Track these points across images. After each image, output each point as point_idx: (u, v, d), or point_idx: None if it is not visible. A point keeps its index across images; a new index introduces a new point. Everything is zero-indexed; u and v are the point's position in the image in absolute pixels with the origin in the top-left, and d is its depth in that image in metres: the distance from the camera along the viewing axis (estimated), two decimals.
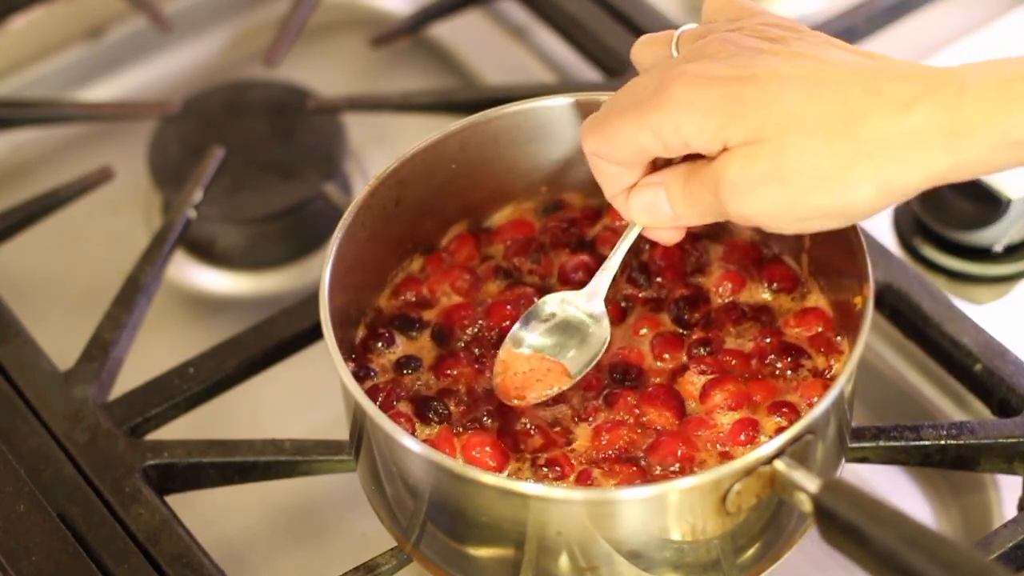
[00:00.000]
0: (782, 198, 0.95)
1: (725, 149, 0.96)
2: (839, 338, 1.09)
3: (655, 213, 1.01)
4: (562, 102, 1.13)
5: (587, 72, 1.44)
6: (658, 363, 1.09)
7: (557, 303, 1.08)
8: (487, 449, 1.04)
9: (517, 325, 1.08)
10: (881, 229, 1.30)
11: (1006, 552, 1.08)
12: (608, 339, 1.07)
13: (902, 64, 0.96)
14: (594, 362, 1.06)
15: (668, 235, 1.04)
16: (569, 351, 1.07)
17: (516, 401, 1.06)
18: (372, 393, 1.07)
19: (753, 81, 0.95)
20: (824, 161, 0.94)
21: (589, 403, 1.07)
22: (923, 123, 0.93)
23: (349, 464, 1.11)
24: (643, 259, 1.14)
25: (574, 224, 1.16)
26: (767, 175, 0.94)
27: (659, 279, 1.13)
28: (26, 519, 1.11)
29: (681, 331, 1.10)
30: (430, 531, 1.03)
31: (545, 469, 1.03)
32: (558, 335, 1.08)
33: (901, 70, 0.95)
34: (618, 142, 0.99)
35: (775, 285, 1.12)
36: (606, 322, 1.07)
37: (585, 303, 1.08)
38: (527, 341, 1.08)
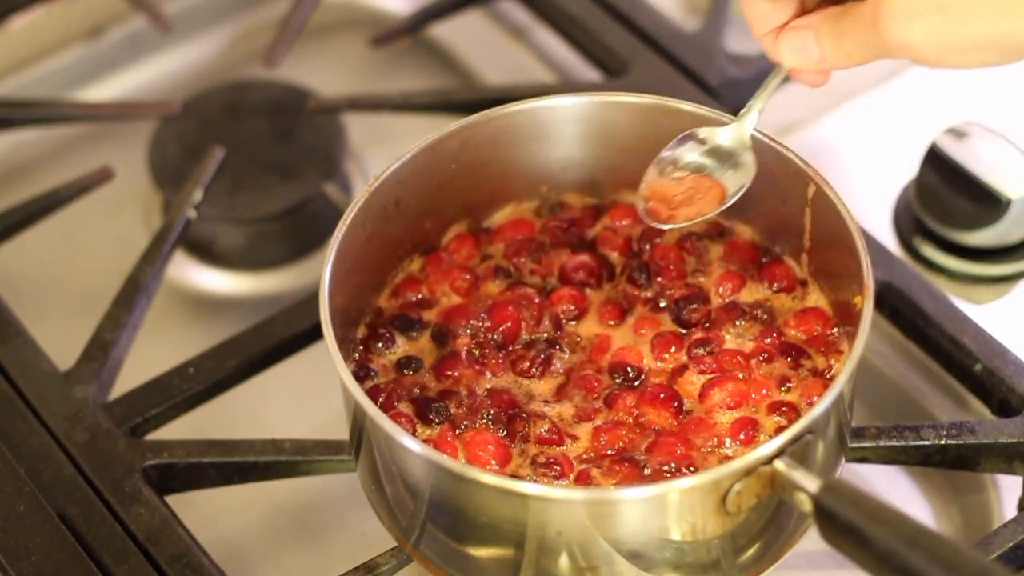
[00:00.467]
0: (943, 25, 0.95)
1: None
2: (839, 338, 1.09)
3: (803, 55, 1.03)
4: (562, 102, 1.13)
5: (587, 72, 1.44)
6: (658, 363, 1.09)
7: (708, 132, 1.10)
8: (490, 447, 1.04)
9: (668, 149, 1.09)
10: (881, 229, 1.30)
11: (1006, 552, 1.08)
12: (755, 170, 1.08)
13: None
14: (743, 190, 1.08)
15: (813, 78, 1.05)
16: (725, 172, 1.09)
17: (668, 225, 1.08)
18: (373, 393, 1.07)
19: None
20: None
21: (589, 404, 1.07)
22: None
23: (349, 464, 1.11)
24: (643, 259, 1.14)
25: (574, 224, 1.16)
26: (929, 1, 0.95)
27: (659, 279, 1.13)
28: (26, 519, 1.11)
29: (681, 331, 1.10)
30: (430, 531, 1.03)
31: (545, 468, 1.03)
32: (714, 159, 1.09)
33: None
34: None
35: (775, 285, 1.12)
36: (752, 156, 1.08)
37: (736, 131, 1.09)
38: (686, 159, 1.09)
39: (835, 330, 1.09)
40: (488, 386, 1.08)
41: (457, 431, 1.05)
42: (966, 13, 0.95)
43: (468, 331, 1.11)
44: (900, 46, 0.97)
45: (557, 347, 1.10)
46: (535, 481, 1.02)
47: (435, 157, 1.12)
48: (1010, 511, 1.16)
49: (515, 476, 1.03)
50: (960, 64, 0.98)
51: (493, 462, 1.03)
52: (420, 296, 1.13)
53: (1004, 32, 0.95)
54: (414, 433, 1.05)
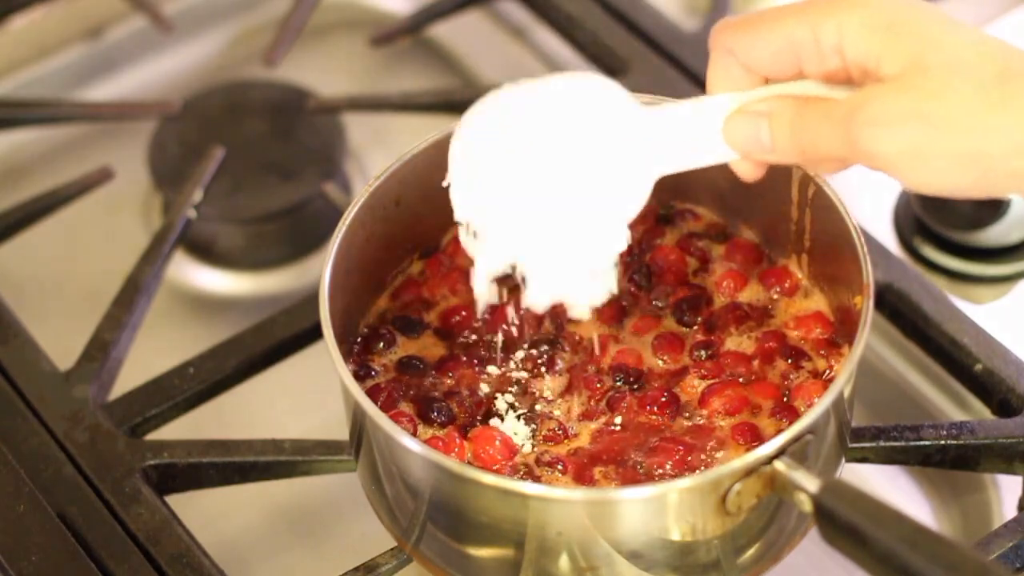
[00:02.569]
0: (922, 138, 0.91)
1: (867, 76, 0.94)
2: (839, 339, 1.09)
3: (752, 143, 0.98)
4: None
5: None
6: (660, 363, 1.09)
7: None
8: (497, 444, 1.04)
9: None
10: (881, 229, 1.30)
11: (1006, 552, 1.08)
12: None
13: None
14: None
15: (749, 169, 1.00)
16: None
17: None
18: (374, 393, 1.07)
19: (932, 13, 0.94)
20: (972, 105, 0.91)
21: (590, 406, 1.07)
22: None
23: (349, 464, 1.11)
24: (644, 260, 1.14)
25: None
26: (912, 113, 0.92)
27: (660, 280, 1.13)
28: (26, 519, 1.11)
29: (684, 329, 1.10)
30: (430, 531, 1.03)
31: (548, 467, 1.03)
32: None
33: None
34: (766, 35, 0.96)
35: (776, 286, 1.12)
36: None
37: None
38: None
39: (835, 331, 1.09)
40: (486, 388, 1.08)
41: (462, 430, 1.05)
42: (947, 128, 0.91)
43: (469, 332, 1.11)
44: (870, 155, 0.93)
45: (559, 346, 1.10)
46: (536, 480, 1.03)
47: (435, 157, 1.12)
48: (1010, 511, 1.16)
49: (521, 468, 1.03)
50: (931, 182, 0.93)
51: (499, 457, 1.03)
52: (420, 297, 1.13)
53: (978, 149, 0.91)
54: (415, 433, 1.05)
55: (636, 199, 1.00)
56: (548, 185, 0.99)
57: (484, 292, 1.03)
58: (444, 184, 1.02)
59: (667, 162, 1.00)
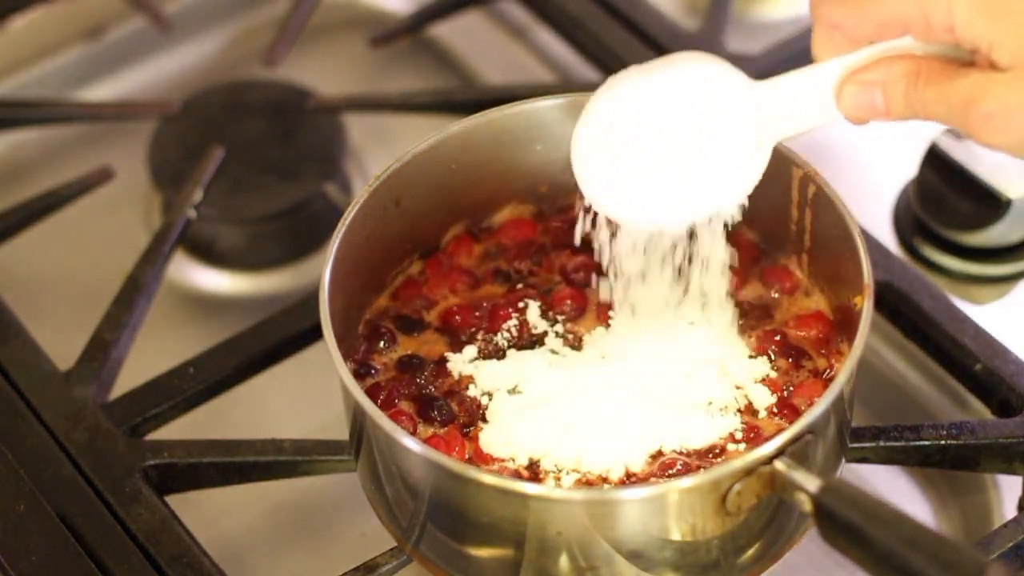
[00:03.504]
0: None
1: (978, 54, 0.94)
2: (839, 338, 1.09)
3: (868, 110, 0.99)
4: (562, 102, 1.13)
5: (587, 72, 1.44)
6: None
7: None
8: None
9: None
10: (881, 229, 1.30)
11: (1006, 552, 1.08)
12: None
13: None
14: None
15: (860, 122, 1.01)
16: None
17: None
18: (373, 391, 1.07)
19: None
20: None
21: None
22: None
23: (349, 464, 1.11)
24: None
25: (575, 225, 1.16)
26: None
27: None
28: (26, 519, 1.11)
29: None
30: (430, 531, 1.03)
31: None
32: None
33: None
34: (872, 14, 0.96)
35: (776, 286, 1.12)
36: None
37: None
38: None
39: (835, 331, 1.09)
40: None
41: (464, 430, 1.05)
42: None
43: (469, 332, 1.11)
44: (987, 144, 0.95)
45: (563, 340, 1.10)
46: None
47: (435, 157, 1.12)
48: (1010, 511, 1.16)
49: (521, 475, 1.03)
50: None
51: (504, 454, 1.03)
52: (420, 297, 1.13)
53: None
54: (415, 432, 1.05)
55: (756, 167, 1.03)
56: (675, 166, 1.03)
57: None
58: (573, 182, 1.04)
59: (782, 127, 1.03)
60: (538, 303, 1.12)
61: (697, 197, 1.04)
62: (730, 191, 1.04)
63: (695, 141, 1.03)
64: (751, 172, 1.03)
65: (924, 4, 0.95)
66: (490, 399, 1.06)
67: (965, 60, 0.96)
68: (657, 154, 1.03)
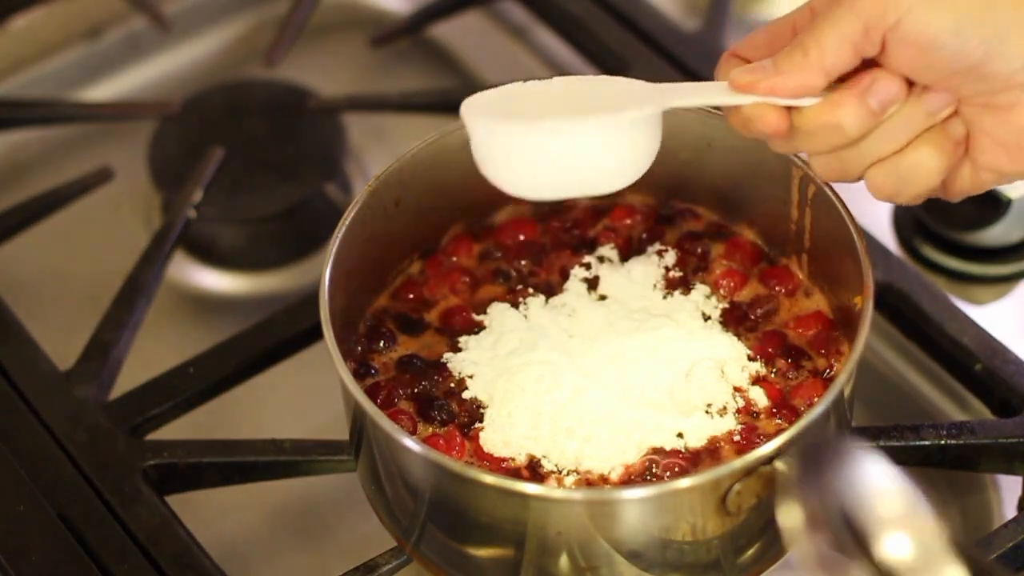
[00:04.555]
0: None
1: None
2: (839, 339, 1.09)
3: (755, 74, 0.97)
4: None
5: (587, 72, 1.44)
6: None
7: None
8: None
9: None
10: (881, 229, 1.30)
11: (1006, 552, 1.08)
12: None
13: None
14: None
15: (744, 124, 0.99)
16: None
17: None
18: (373, 390, 1.07)
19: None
20: None
21: None
22: None
23: (349, 464, 1.11)
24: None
25: (576, 225, 1.16)
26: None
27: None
28: (26, 519, 1.11)
29: None
30: (430, 531, 1.03)
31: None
32: None
33: None
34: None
35: (776, 286, 1.12)
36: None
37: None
38: None
39: (835, 331, 1.09)
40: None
41: (464, 430, 1.05)
42: None
43: (469, 332, 1.11)
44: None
45: None
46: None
47: (435, 157, 1.12)
48: (1010, 511, 1.16)
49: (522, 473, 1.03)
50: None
51: (504, 453, 1.03)
52: (420, 297, 1.13)
53: None
54: (415, 431, 1.05)
55: (650, 135, 1.00)
56: (569, 122, 0.99)
57: None
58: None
59: (673, 97, 0.99)
60: (542, 296, 1.12)
61: (589, 166, 1.00)
62: (625, 159, 0.99)
63: (587, 103, 1.00)
64: (643, 141, 1.00)
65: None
66: (490, 399, 1.06)
67: None
68: (551, 119, 0.99)
